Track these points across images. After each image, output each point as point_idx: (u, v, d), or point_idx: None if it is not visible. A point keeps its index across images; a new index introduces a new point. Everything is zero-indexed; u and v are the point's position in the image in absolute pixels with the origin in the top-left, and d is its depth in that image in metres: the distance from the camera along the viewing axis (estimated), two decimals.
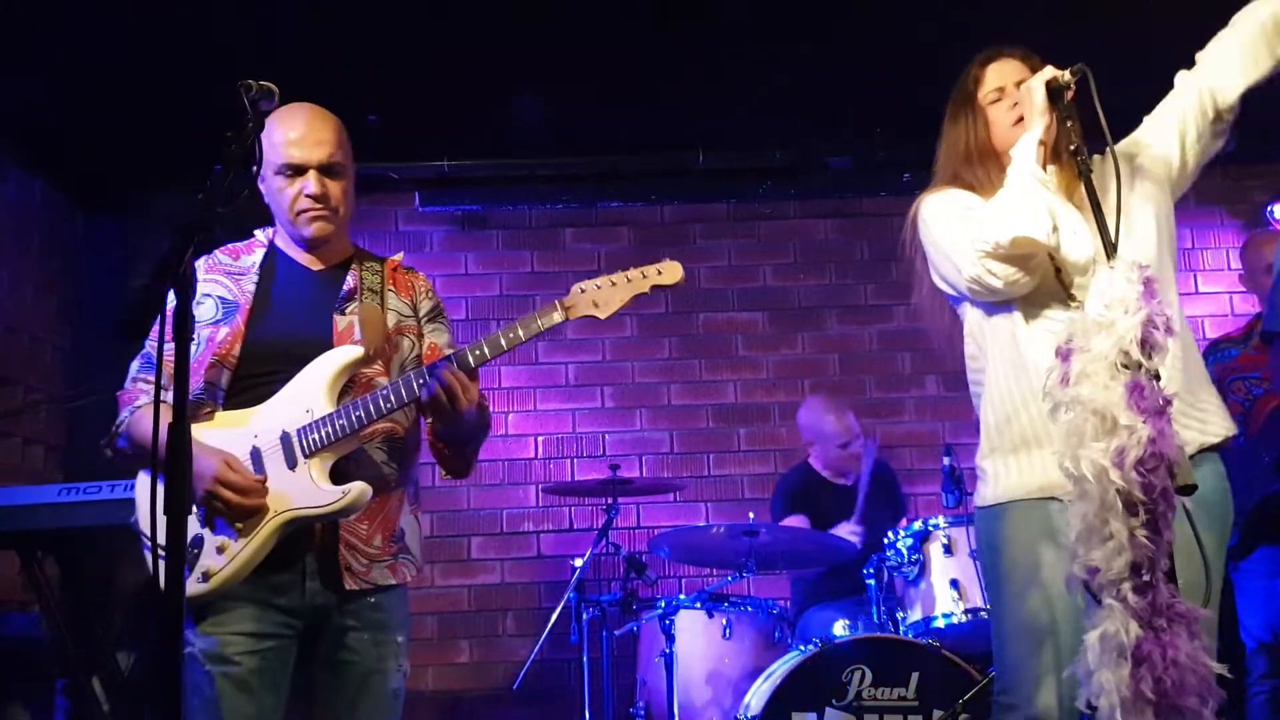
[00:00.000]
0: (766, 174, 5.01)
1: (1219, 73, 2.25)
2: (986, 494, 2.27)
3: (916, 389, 5.11)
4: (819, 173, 4.99)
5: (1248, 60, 2.22)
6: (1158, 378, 1.93)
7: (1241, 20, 2.26)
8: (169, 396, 2.05)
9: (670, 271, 2.26)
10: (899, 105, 4.36)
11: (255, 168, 1.93)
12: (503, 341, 2.24)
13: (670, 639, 3.62)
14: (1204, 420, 2.19)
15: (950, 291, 2.34)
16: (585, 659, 3.91)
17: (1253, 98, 2.26)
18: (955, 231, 2.26)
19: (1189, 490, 1.93)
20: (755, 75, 4.21)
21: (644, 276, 2.26)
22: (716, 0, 3.78)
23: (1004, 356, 2.24)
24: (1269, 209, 4.78)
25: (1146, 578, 1.89)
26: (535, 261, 5.14)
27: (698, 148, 4.81)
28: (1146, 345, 1.92)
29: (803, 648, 3.43)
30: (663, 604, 3.71)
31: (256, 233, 2.49)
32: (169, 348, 2.08)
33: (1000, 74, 2.32)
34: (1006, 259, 2.14)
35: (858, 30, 3.91)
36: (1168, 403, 1.92)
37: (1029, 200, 2.13)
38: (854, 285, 5.17)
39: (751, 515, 3.87)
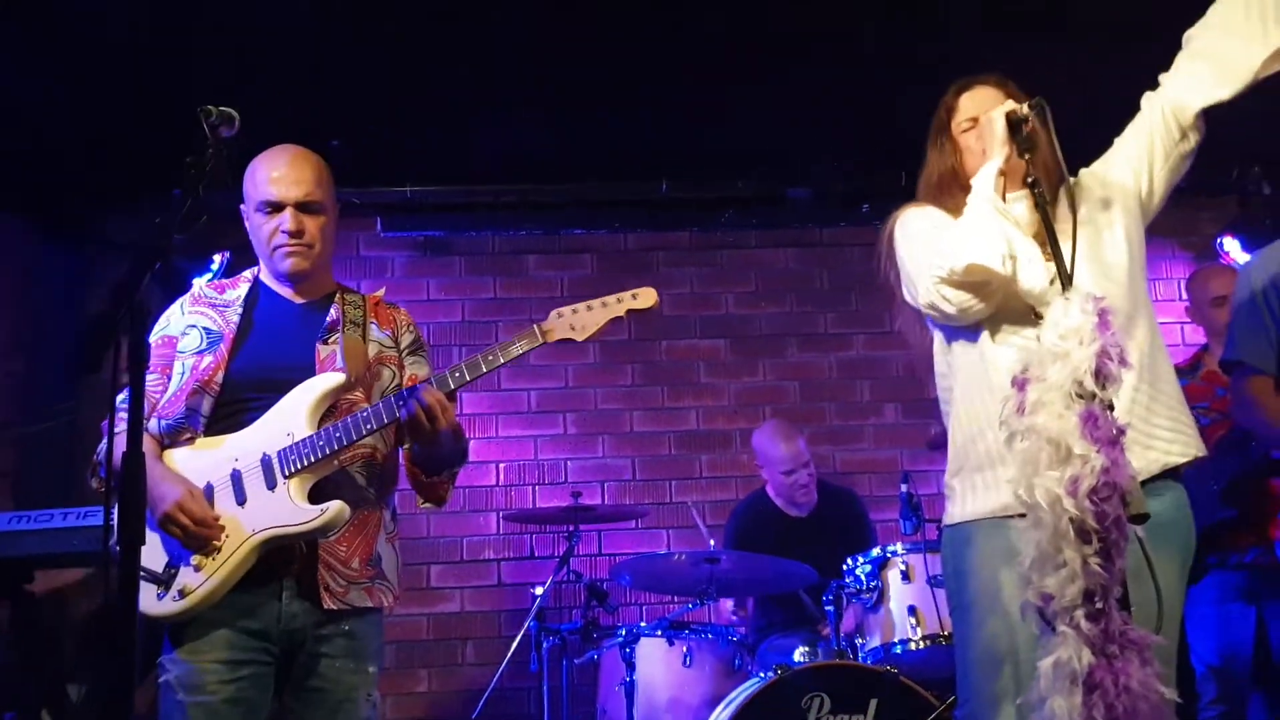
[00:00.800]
0: (728, 203, 5.06)
1: (1181, 91, 2.28)
2: (954, 512, 2.29)
3: (875, 416, 5.15)
4: (779, 203, 5.03)
5: (1208, 79, 2.25)
6: (1111, 408, 1.96)
7: (1195, 38, 2.30)
8: (153, 425, 2.24)
9: (645, 297, 2.34)
10: (858, 138, 4.43)
11: (216, 191, 1.97)
12: (482, 365, 2.31)
13: (631, 667, 3.62)
14: (1167, 442, 2.20)
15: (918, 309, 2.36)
16: (545, 688, 3.89)
17: (1207, 131, 2.30)
18: (917, 254, 2.28)
19: (1142, 519, 1.95)
20: (718, 107, 4.25)
21: (619, 301, 2.33)
22: (683, 31, 3.81)
23: (971, 376, 2.26)
24: (1218, 241, 4.88)
25: (1099, 605, 1.91)
26: (498, 288, 5.14)
27: (661, 177, 4.84)
28: (1101, 376, 1.95)
29: (762, 675, 3.43)
30: (623, 632, 3.70)
31: (245, 272, 2.56)
32: (151, 378, 2.23)
33: (974, 103, 2.35)
34: (961, 285, 2.16)
35: (818, 65, 3.96)
36: (1121, 432, 1.94)
37: (985, 228, 2.15)
38: (814, 314, 5.22)
39: (712, 542, 3.87)
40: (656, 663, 3.66)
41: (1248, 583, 3.58)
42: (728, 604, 4.29)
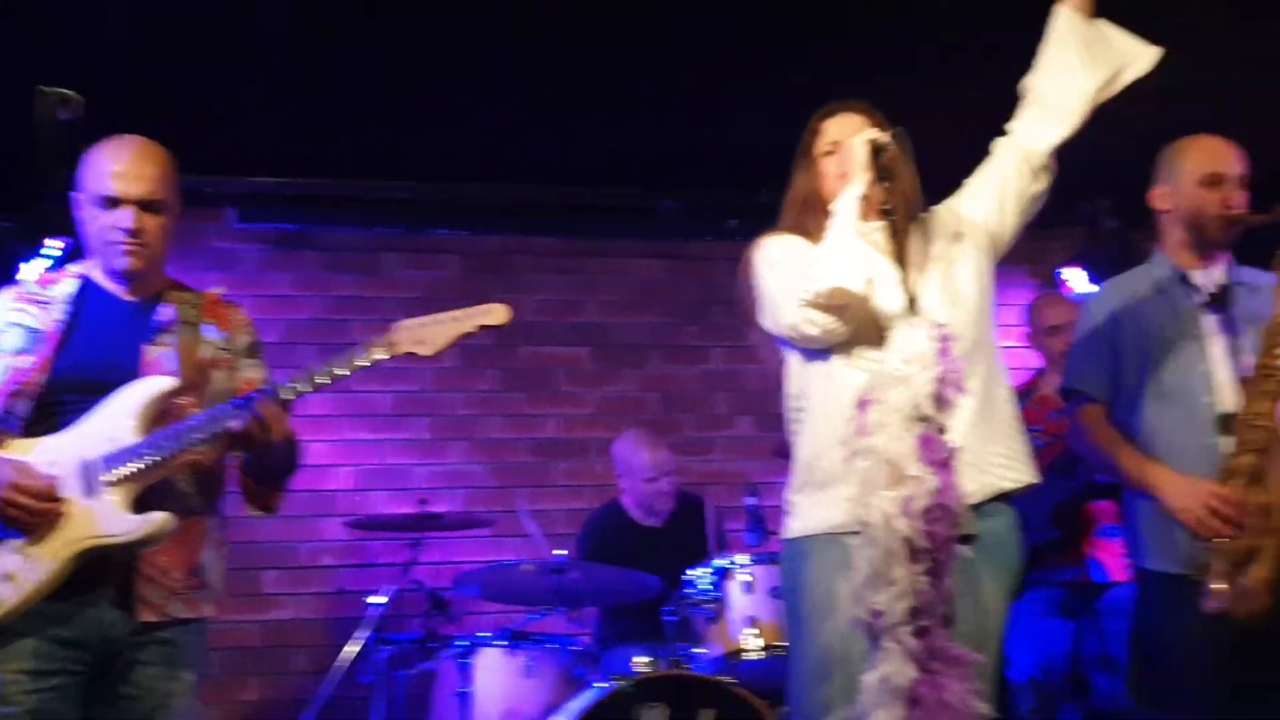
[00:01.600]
0: (596, 211, 5.04)
1: (1027, 135, 2.40)
2: (794, 526, 2.35)
3: (729, 428, 5.20)
4: (648, 214, 5.04)
5: (1050, 119, 2.39)
6: (946, 431, 2.02)
7: (1031, 86, 2.42)
8: None
9: (497, 314, 2.30)
10: (729, 154, 4.47)
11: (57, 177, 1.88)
12: (319, 379, 2.25)
13: (468, 678, 3.57)
14: (1002, 468, 2.29)
15: (775, 333, 2.40)
16: (378, 698, 3.80)
17: (1060, 165, 2.42)
18: (781, 279, 2.34)
19: (969, 540, 2.03)
20: (589, 114, 4.23)
21: (470, 317, 2.29)
22: (565, 38, 3.78)
23: (822, 395, 2.31)
24: (1058, 271, 5.08)
25: (925, 622, 1.96)
26: (354, 286, 5.01)
27: (529, 180, 4.79)
28: (939, 401, 2.01)
29: (600, 685, 3.42)
30: (462, 642, 3.66)
31: (72, 266, 2.46)
32: None
33: (838, 128, 2.41)
34: (824, 308, 2.22)
35: (691, 79, 3.98)
36: (954, 455, 2.01)
37: (846, 252, 2.21)
38: (678, 325, 5.24)
39: (562, 551, 3.84)
40: (495, 673, 3.63)
41: (1065, 599, 3.74)
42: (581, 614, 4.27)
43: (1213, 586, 2.50)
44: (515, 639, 3.70)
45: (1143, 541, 2.76)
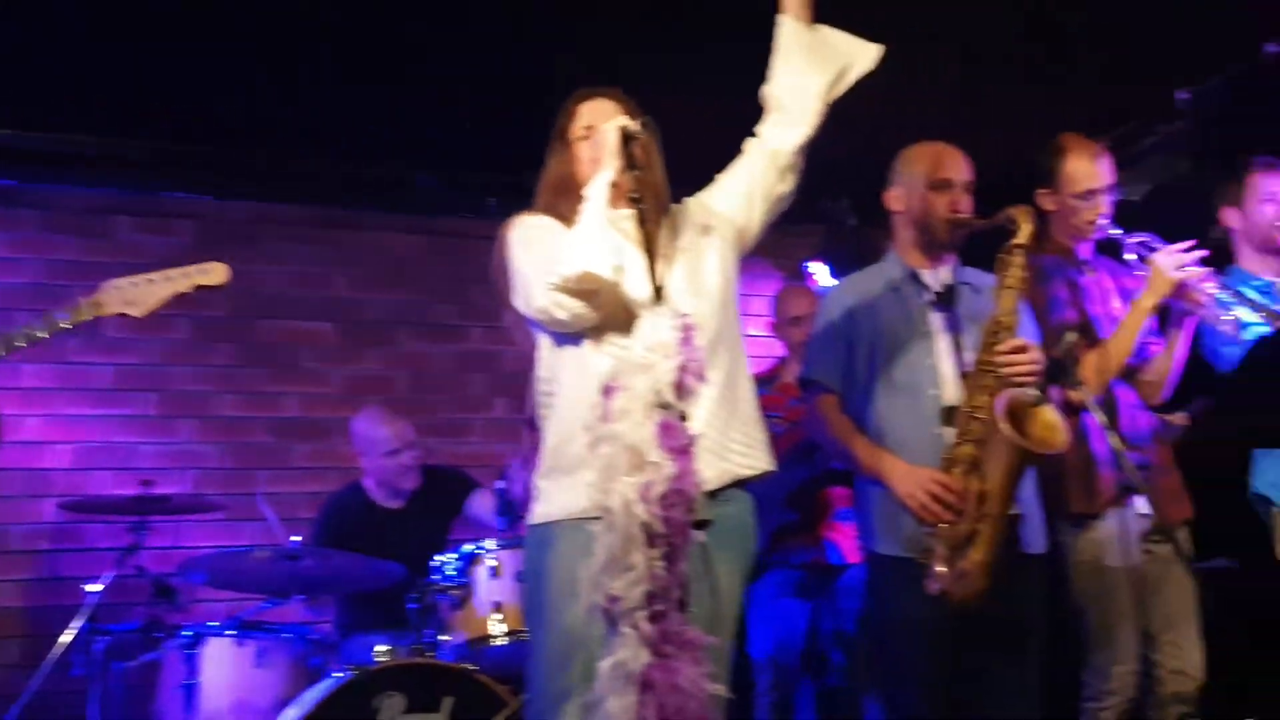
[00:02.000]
0: (350, 182, 4.84)
1: (772, 138, 2.48)
2: (539, 511, 2.35)
3: (485, 410, 5.13)
4: (404, 188, 4.89)
5: (790, 122, 2.47)
6: (686, 419, 2.07)
7: (769, 93, 2.50)
8: None
9: (216, 273, 2.24)
10: (490, 132, 4.39)
11: None
12: (16, 342, 2.04)
13: (194, 669, 3.40)
14: (740, 455, 2.34)
15: (527, 315, 2.38)
16: (95, 691, 3.55)
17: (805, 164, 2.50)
18: (532, 261, 2.32)
19: (705, 525, 2.08)
20: (343, 83, 4.05)
21: (186, 275, 2.21)
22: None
23: (571, 381, 2.31)
24: (805, 265, 5.29)
25: (660, 607, 2.00)
26: (77, 249, 4.63)
27: (278, 146, 4.55)
28: (679, 389, 2.06)
29: (337, 675, 3.31)
30: (188, 632, 3.47)
31: None
32: None
33: (592, 113, 2.43)
34: (574, 293, 2.21)
35: (453, 55, 3.88)
36: (692, 443, 2.06)
37: (597, 238, 2.22)
38: (432, 303, 5.11)
39: (296, 537, 3.67)
40: (223, 664, 3.45)
41: (803, 580, 3.89)
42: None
43: (935, 569, 2.63)
44: (246, 628, 3.53)
45: (873, 526, 2.88)
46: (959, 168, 2.93)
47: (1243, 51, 3.85)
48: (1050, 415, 2.64)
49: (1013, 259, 2.76)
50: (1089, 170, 3.15)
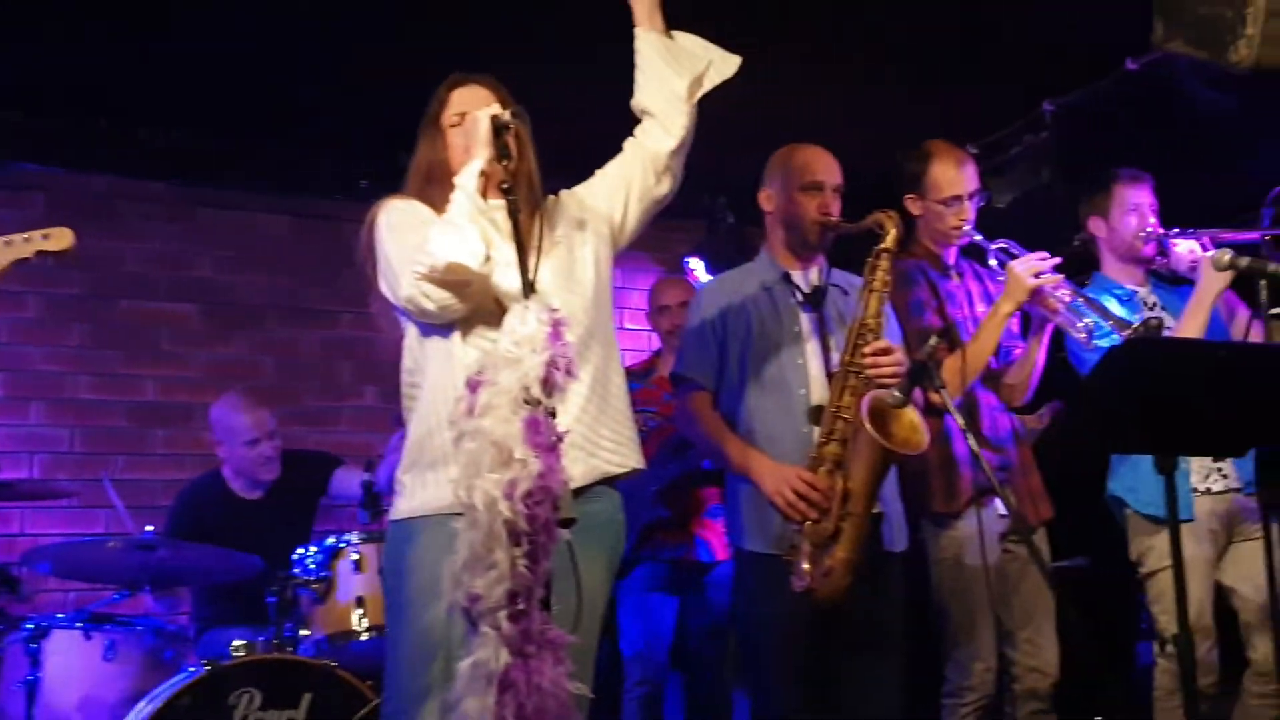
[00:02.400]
0: (216, 158, 4.66)
1: (649, 141, 2.48)
2: (401, 507, 2.31)
3: (355, 399, 5.02)
4: (274, 166, 4.73)
5: (662, 127, 2.47)
6: (554, 415, 2.03)
7: (638, 102, 2.50)
8: None
9: (59, 238, 2.17)
10: (366, 114, 4.29)
11: None
12: None
13: (37, 663, 3.26)
14: (610, 452, 2.33)
15: (394, 303, 2.32)
16: None
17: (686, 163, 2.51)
18: (399, 247, 2.27)
19: (569, 523, 2.04)
20: (216, 55, 3.90)
21: (28, 241, 2.14)
22: None
23: (438, 373, 2.27)
24: (686, 259, 5.32)
25: (522, 606, 1.96)
26: None
27: (139, 119, 4.37)
28: (547, 384, 2.02)
29: (191, 669, 3.21)
30: (30, 625, 3.32)
31: None
32: None
33: (464, 100, 2.39)
34: (441, 284, 2.17)
35: (322, 36, 3.77)
36: (559, 439, 2.02)
37: (464, 228, 2.19)
38: (301, 287, 4.97)
39: (150, 527, 3.54)
40: (70, 658, 3.32)
41: (671, 575, 3.91)
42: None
43: (801, 566, 2.67)
44: (95, 621, 3.39)
45: (742, 523, 2.91)
46: (829, 170, 2.97)
47: (1107, 66, 3.99)
48: (912, 416, 2.69)
49: (879, 262, 2.81)
50: (954, 176, 3.22)
